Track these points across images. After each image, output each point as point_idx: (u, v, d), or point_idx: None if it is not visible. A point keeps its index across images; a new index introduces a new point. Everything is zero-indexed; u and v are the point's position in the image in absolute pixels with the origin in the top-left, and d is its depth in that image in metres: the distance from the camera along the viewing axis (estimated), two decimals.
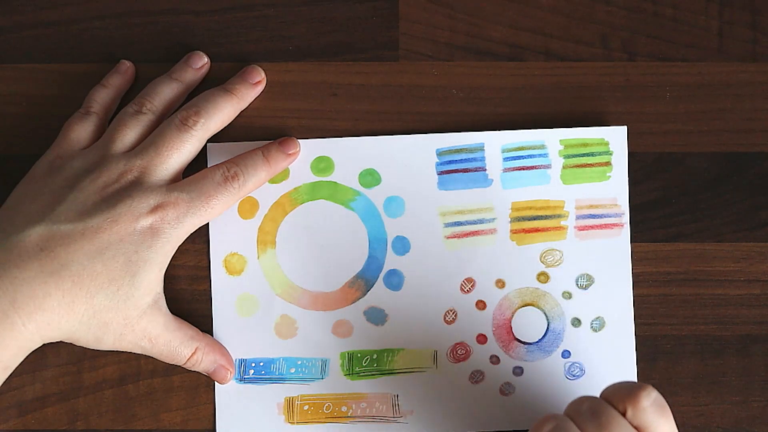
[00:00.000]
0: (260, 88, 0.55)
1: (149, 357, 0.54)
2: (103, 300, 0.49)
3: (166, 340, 0.51)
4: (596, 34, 0.56)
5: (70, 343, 0.53)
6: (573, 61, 0.56)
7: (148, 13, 0.56)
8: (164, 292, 0.53)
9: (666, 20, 0.56)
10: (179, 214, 0.50)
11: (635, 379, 0.54)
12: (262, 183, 0.53)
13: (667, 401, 0.54)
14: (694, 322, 0.55)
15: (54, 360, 0.54)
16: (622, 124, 0.55)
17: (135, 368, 0.54)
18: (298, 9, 0.56)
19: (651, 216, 0.55)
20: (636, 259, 0.55)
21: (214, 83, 0.55)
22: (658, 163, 0.56)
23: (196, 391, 0.54)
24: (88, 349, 0.54)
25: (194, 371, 0.54)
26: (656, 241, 0.55)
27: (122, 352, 0.54)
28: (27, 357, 0.54)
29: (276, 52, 0.56)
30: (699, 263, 0.55)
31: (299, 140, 0.55)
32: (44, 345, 0.53)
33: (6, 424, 0.54)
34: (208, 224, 0.55)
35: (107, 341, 0.50)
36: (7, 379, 0.53)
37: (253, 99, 0.55)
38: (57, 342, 0.53)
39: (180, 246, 0.54)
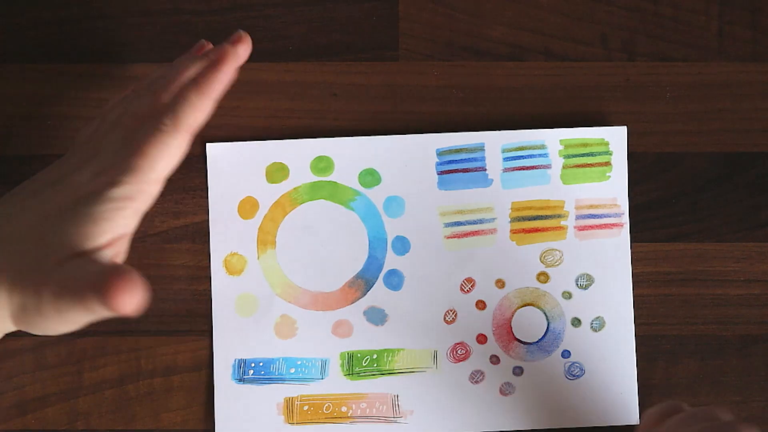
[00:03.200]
0: (239, 56, 0.49)
1: (149, 357, 0.54)
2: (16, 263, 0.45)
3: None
4: (596, 34, 0.56)
5: (70, 343, 0.54)
6: (573, 61, 0.56)
7: (148, 13, 0.56)
8: (164, 292, 0.53)
9: (666, 20, 0.56)
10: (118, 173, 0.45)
11: (635, 379, 0.54)
12: (201, 108, 0.47)
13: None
14: (694, 322, 0.55)
15: (54, 360, 0.54)
16: (622, 124, 0.55)
17: (135, 368, 0.54)
18: (298, 9, 0.56)
19: (651, 216, 0.55)
20: (636, 259, 0.55)
21: None
22: (658, 163, 0.56)
23: (196, 391, 0.54)
24: (89, 348, 0.54)
25: (193, 366, 0.54)
26: (656, 241, 0.55)
27: (123, 352, 0.54)
28: (27, 357, 0.54)
29: (276, 52, 0.56)
30: (699, 263, 0.55)
31: (300, 140, 0.55)
32: (44, 345, 0.53)
33: (6, 424, 0.54)
34: (208, 224, 0.55)
35: (47, 300, 0.44)
36: (7, 379, 0.54)
37: (231, 73, 0.49)
38: (57, 342, 0.54)
39: (180, 246, 0.54)
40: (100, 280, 0.42)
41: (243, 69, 0.56)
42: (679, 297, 0.55)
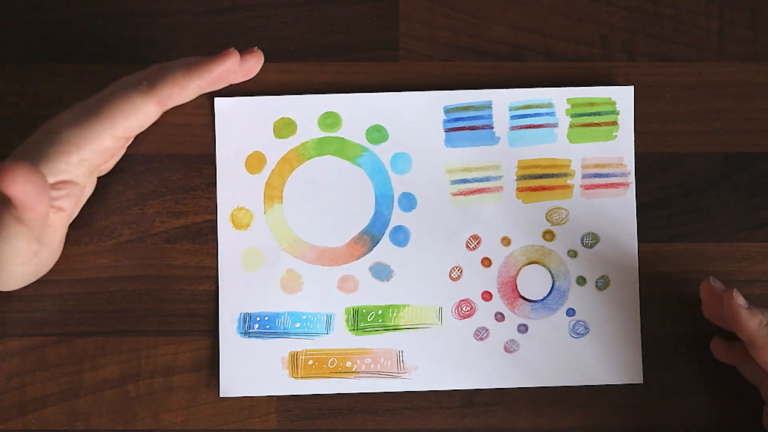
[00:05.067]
0: (229, 63, 0.49)
1: (149, 357, 0.54)
2: None
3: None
4: (596, 34, 0.56)
5: (71, 343, 0.54)
6: (573, 61, 0.56)
7: (149, 13, 0.56)
8: (164, 292, 0.53)
9: (666, 20, 0.56)
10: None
11: (639, 338, 0.54)
12: (184, 88, 0.49)
13: (668, 401, 0.55)
14: (694, 322, 0.55)
15: (54, 360, 0.54)
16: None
17: (135, 368, 0.54)
18: (298, 9, 0.56)
19: (651, 216, 0.55)
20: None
21: None
22: (658, 163, 0.56)
23: (196, 391, 0.54)
24: (89, 348, 0.54)
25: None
26: (656, 241, 0.55)
27: (123, 352, 0.54)
28: (27, 357, 0.54)
29: (276, 52, 0.56)
30: (699, 263, 0.55)
31: (307, 95, 0.55)
32: (44, 345, 0.53)
33: (6, 424, 0.54)
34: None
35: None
36: (7, 379, 0.54)
37: (224, 68, 0.50)
38: (57, 342, 0.54)
39: (180, 246, 0.54)
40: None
41: None
42: (679, 297, 0.55)
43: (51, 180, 0.47)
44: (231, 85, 0.55)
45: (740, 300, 0.50)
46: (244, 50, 0.51)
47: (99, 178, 0.52)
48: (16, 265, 0.49)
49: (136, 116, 0.49)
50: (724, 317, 0.51)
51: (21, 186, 0.45)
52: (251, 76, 0.52)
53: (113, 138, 0.49)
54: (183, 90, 0.49)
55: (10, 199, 0.45)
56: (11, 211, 0.47)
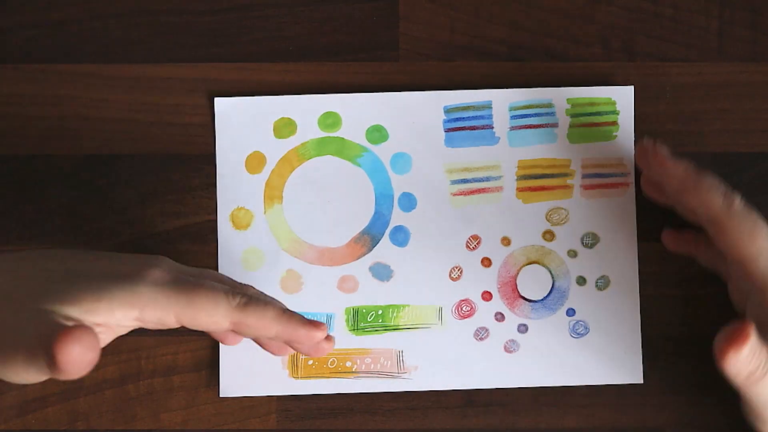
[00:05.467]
0: (316, 334, 0.47)
1: (150, 357, 0.54)
2: None
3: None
4: (596, 34, 0.56)
5: None
6: (573, 61, 0.56)
7: (148, 13, 0.56)
8: None
9: (666, 20, 0.56)
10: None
11: (639, 338, 0.54)
12: (266, 326, 0.46)
13: (668, 401, 0.55)
14: (694, 322, 0.55)
15: None
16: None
17: (135, 368, 0.54)
18: (298, 9, 0.56)
19: (651, 216, 0.55)
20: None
21: (211, 83, 0.55)
22: None
23: (196, 391, 0.54)
24: None
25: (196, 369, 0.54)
26: (656, 241, 0.55)
27: (123, 352, 0.54)
28: None
29: (276, 52, 0.56)
30: (699, 263, 0.55)
31: (308, 95, 0.55)
32: None
33: (6, 424, 0.54)
34: (215, 180, 0.55)
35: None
36: None
37: (304, 336, 0.47)
38: None
39: (180, 246, 0.54)
40: (52, 332, 0.39)
41: (243, 70, 0.56)
42: (679, 297, 0.55)
43: (88, 320, 0.42)
44: (231, 85, 0.55)
45: (708, 179, 0.49)
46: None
47: (99, 180, 0.52)
48: (15, 382, 0.43)
49: (209, 319, 0.45)
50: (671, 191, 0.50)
51: (75, 356, 0.39)
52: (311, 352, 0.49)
53: (175, 317, 0.45)
54: (263, 328, 0.46)
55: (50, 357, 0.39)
56: (37, 360, 0.40)
